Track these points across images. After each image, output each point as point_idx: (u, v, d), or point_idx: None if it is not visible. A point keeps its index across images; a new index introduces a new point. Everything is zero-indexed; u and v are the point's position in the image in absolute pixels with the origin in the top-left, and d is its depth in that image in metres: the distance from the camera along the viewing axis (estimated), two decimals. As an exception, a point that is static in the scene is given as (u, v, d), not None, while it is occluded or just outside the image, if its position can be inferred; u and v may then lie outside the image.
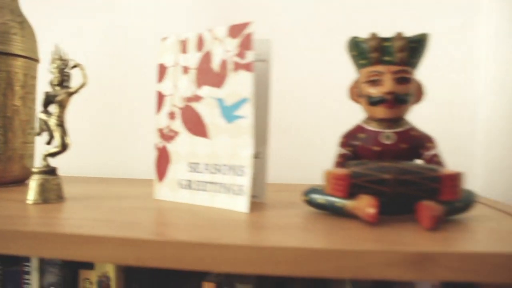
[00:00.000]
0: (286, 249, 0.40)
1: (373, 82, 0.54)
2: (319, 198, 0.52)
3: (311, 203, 0.54)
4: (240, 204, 0.55)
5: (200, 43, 0.60)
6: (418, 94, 0.57)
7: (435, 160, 0.53)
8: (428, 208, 0.46)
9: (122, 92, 1.02)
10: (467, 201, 0.50)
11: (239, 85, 0.55)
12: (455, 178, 0.47)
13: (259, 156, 0.61)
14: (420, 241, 0.41)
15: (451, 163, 0.90)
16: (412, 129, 0.55)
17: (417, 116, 0.88)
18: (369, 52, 0.54)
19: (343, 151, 0.56)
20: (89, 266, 0.63)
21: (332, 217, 0.53)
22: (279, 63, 0.82)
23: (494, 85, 0.84)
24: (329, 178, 0.50)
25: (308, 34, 0.94)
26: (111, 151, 1.03)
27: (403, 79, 0.53)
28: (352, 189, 0.49)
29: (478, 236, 0.44)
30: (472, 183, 0.90)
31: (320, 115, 0.93)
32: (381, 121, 0.54)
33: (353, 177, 0.48)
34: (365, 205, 0.47)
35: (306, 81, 0.94)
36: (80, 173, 1.03)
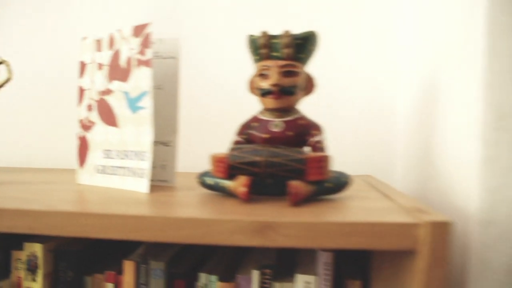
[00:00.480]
0: (153, 218, 0.46)
1: (263, 76, 0.59)
2: (208, 179, 0.58)
3: (203, 184, 0.59)
4: (142, 185, 0.60)
5: (112, 42, 0.66)
6: (309, 86, 0.62)
7: (317, 145, 0.58)
8: (293, 187, 0.51)
9: (52, 87, 1.05)
10: (338, 182, 0.55)
11: (141, 79, 0.61)
12: (320, 160, 0.52)
13: (170, 144, 0.67)
14: (268, 213, 0.47)
15: (373, 157, 0.95)
16: (301, 118, 0.60)
17: (342, 116, 0.94)
18: (260, 49, 0.59)
19: (238, 138, 0.61)
20: (19, 246, 0.68)
21: (221, 196, 0.58)
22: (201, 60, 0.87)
23: (412, 86, 0.90)
24: (212, 161, 0.56)
25: (223, 33, 0.98)
26: (42, 142, 1.06)
27: (290, 73, 0.58)
28: (232, 170, 0.54)
29: (328, 210, 0.49)
30: (392, 177, 0.95)
31: (238, 108, 0.97)
32: (271, 111, 0.60)
33: (230, 159, 0.54)
34: (239, 184, 0.53)
35: (221, 77, 0.98)
36: (11, 163, 1.07)
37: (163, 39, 0.65)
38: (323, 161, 0.52)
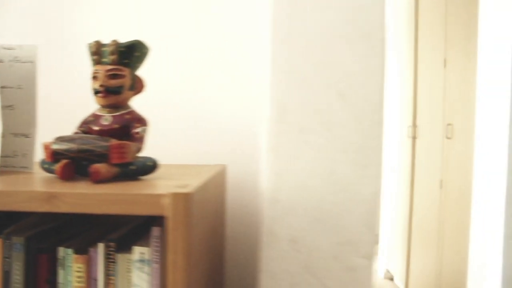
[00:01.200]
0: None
1: (94, 78, 0.72)
2: (44, 164, 0.70)
3: (43, 168, 0.72)
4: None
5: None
6: (138, 86, 0.75)
7: (135, 135, 0.71)
8: (93, 168, 0.64)
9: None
10: (142, 165, 0.68)
11: (-7, 80, 0.73)
12: (121, 146, 0.65)
13: (29, 136, 0.79)
14: (57, 187, 0.59)
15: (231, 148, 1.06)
16: (128, 113, 0.73)
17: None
18: (92, 55, 0.72)
19: (76, 130, 0.74)
20: None
21: (54, 176, 0.70)
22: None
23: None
24: (43, 148, 0.68)
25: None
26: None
27: (115, 75, 0.71)
28: (56, 156, 0.66)
29: (112, 185, 0.62)
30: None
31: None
32: (103, 107, 0.72)
33: (52, 147, 0.66)
34: (57, 167, 0.65)
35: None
36: None
37: (22, 45, 0.77)
38: (124, 147, 0.65)
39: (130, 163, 0.66)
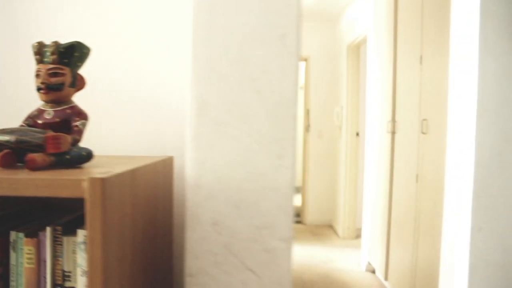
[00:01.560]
0: None
1: (37, 76, 0.78)
2: (-9, 155, 0.77)
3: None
4: None
5: None
6: (80, 83, 0.81)
7: (74, 128, 0.77)
8: (28, 157, 0.70)
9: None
10: (77, 155, 0.74)
11: None
12: (56, 138, 0.71)
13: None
14: None
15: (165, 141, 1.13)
16: (70, 108, 0.79)
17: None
18: (35, 55, 0.78)
19: (22, 124, 0.80)
20: None
21: None
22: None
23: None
24: (-13, 140, 0.75)
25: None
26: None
27: (56, 74, 0.77)
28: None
29: (48, 172, 0.68)
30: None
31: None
32: (46, 102, 0.79)
33: (-6, 138, 0.73)
34: (-1, 156, 0.72)
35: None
36: None
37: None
38: (59, 139, 0.72)
39: (66, 153, 0.73)
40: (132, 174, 0.71)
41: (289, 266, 0.76)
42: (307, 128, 5.02)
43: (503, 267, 1.94)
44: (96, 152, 1.14)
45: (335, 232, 4.74)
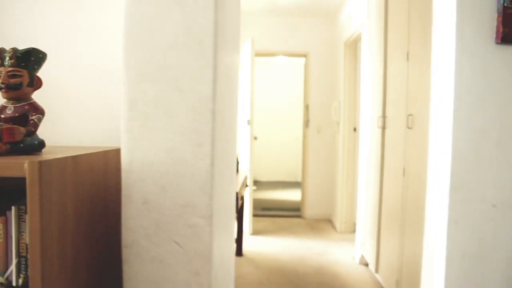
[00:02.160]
0: None
1: (-2, 77, 0.87)
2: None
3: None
4: None
5: None
6: (38, 84, 0.90)
7: (30, 122, 0.87)
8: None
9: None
10: (29, 143, 0.84)
11: None
12: (10, 129, 0.81)
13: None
14: None
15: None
16: (28, 104, 0.88)
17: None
18: (-4, 59, 0.87)
19: (-13, 118, 0.89)
20: None
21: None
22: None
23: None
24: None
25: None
26: None
27: (14, 75, 0.86)
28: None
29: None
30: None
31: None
32: (8, 100, 0.88)
33: None
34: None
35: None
36: None
37: None
38: (13, 130, 0.82)
39: (20, 142, 0.84)
40: (74, 159, 0.83)
41: (210, 240, 0.86)
42: (306, 124, 5.08)
43: (478, 259, 1.99)
44: (59, 143, 1.24)
45: (333, 226, 4.81)
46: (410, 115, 2.55)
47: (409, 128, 2.57)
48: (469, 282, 2.00)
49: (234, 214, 1.53)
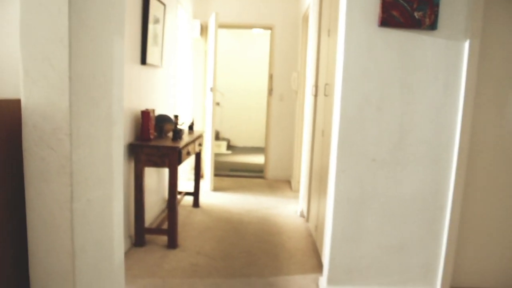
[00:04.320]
0: None
1: None
2: None
3: None
4: None
5: None
6: None
7: None
8: None
9: None
10: None
11: None
12: None
13: None
14: None
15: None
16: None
17: None
18: None
19: None
20: None
21: None
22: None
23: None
24: None
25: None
26: None
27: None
28: None
29: None
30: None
31: None
32: None
33: None
34: None
35: None
36: None
37: None
38: None
39: None
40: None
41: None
42: (270, 92, 5.47)
43: (359, 203, 2.45)
44: None
45: (290, 186, 5.28)
46: (327, 84, 2.96)
47: (326, 95, 2.99)
48: (352, 221, 2.47)
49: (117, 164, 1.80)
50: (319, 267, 2.92)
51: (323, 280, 2.57)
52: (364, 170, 2.42)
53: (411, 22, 2.28)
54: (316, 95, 3.43)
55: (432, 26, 2.29)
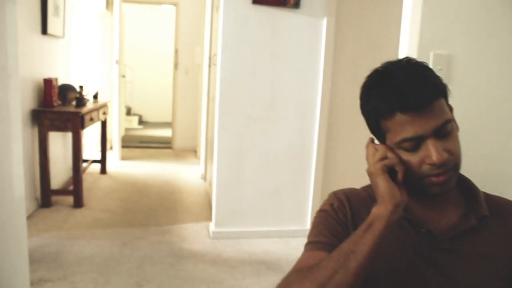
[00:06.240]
0: None
1: None
2: None
3: None
4: None
5: None
6: None
7: None
8: None
9: None
10: None
11: None
12: None
13: None
14: None
15: None
16: None
17: None
18: None
19: None
20: None
21: None
22: None
23: None
24: None
25: None
26: None
27: None
28: None
29: None
30: None
31: None
32: None
33: None
34: None
35: None
36: None
37: None
38: None
39: None
40: None
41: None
42: (176, 66, 5.76)
43: (238, 154, 2.88)
44: None
45: (195, 155, 5.65)
46: (214, 54, 3.34)
47: (214, 65, 3.38)
48: (233, 171, 2.90)
49: None
50: (211, 217, 3.35)
51: (212, 224, 2.99)
52: (242, 126, 2.85)
53: (279, 1, 2.71)
54: (210, 66, 3.81)
55: (296, 5, 2.74)
